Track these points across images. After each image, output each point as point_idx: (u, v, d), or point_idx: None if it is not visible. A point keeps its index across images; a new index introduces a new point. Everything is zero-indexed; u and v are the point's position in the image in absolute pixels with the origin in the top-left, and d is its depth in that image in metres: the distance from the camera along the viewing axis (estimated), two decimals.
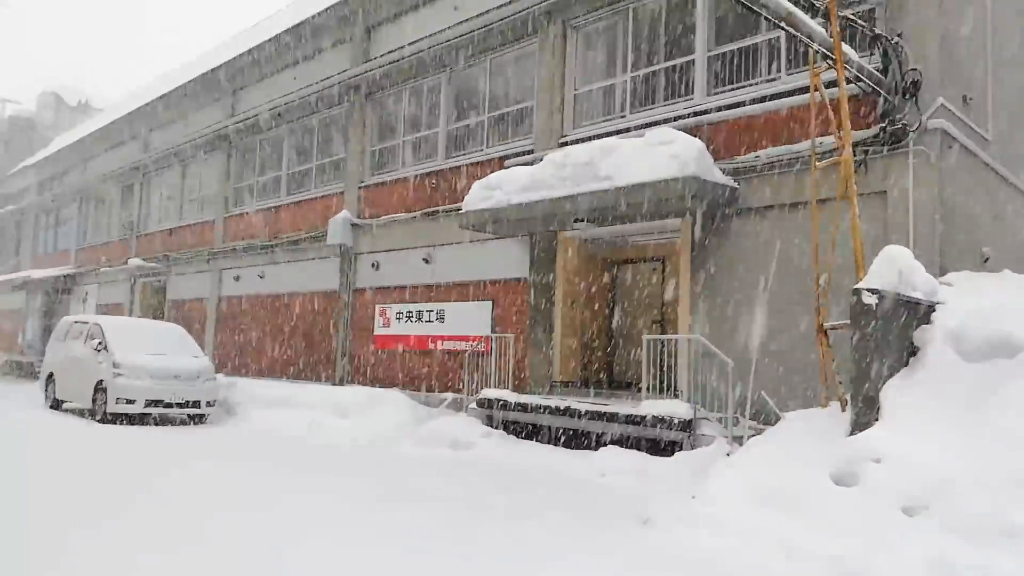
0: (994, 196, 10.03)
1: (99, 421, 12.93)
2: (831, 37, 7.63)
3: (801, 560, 4.97)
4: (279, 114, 18.62)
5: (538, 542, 5.82)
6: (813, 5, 7.58)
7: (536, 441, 10.65)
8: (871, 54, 8.97)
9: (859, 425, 6.47)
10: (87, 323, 14.74)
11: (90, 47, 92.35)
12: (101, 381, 13.11)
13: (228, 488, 7.63)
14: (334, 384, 15.84)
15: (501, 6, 13.57)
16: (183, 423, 13.40)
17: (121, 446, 10.52)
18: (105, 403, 12.87)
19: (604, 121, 12.20)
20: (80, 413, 14.14)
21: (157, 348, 13.80)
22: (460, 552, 5.44)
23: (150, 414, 13.01)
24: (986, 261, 9.23)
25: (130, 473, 8.43)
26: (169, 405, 13.01)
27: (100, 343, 13.60)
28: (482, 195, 11.66)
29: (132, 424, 12.85)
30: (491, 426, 11.04)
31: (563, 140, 12.45)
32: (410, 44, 15.20)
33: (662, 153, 9.67)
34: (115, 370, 12.95)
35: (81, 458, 9.52)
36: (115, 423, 12.80)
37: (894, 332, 6.76)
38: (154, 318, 21.83)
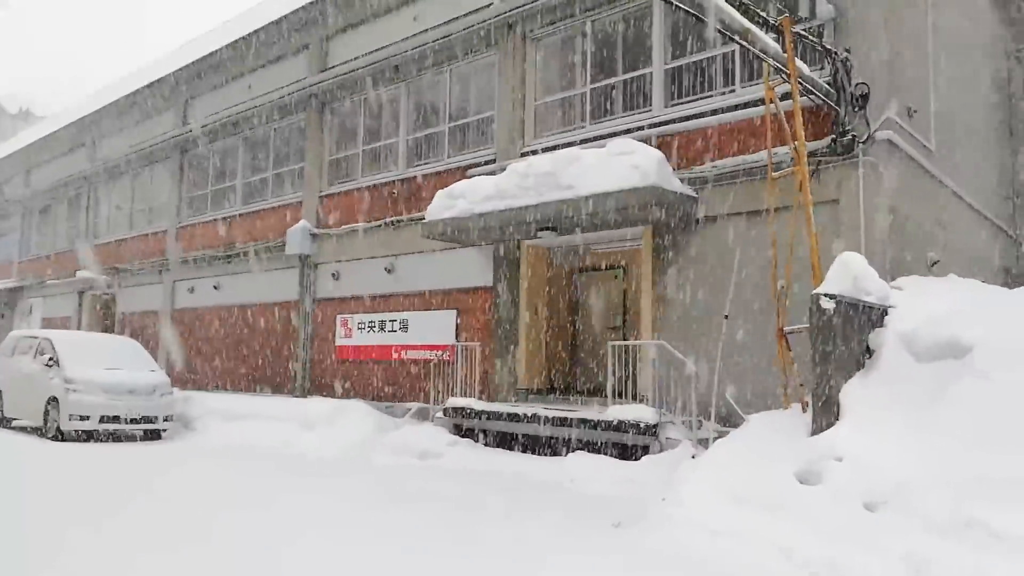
0: (938, 203, 10.52)
1: (51, 438, 12.57)
2: (785, 52, 7.94)
3: (798, 562, 5.17)
4: (234, 123, 18.38)
5: (530, 546, 5.90)
6: (768, 22, 7.89)
7: (504, 448, 10.73)
8: (822, 68, 9.35)
9: (820, 425, 6.72)
10: (36, 338, 14.31)
11: (31, 56, 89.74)
12: (53, 397, 12.74)
13: (203, 504, 7.53)
14: (295, 396, 15.67)
15: (460, 17, 13.69)
16: (139, 439, 13.09)
17: (80, 463, 10.25)
18: (58, 420, 12.52)
19: (565, 131, 12.40)
20: (30, 431, 13.71)
21: (111, 363, 13.46)
22: (455, 554, 5.51)
23: (105, 430, 12.68)
24: (933, 265, 9.67)
25: (100, 490, 8.24)
26: (125, 421, 12.69)
27: (51, 358, 13.22)
28: (446, 204, 11.72)
29: (86, 441, 12.51)
30: (458, 435, 11.08)
31: (525, 150, 12.60)
32: (369, 53, 15.21)
33: (623, 163, 9.89)
34: (67, 386, 12.61)
35: (44, 477, 9.26)
36: (68, 440, 12.45)
37: (851, 335, 7.04)
38: (104, 332, 21.27)
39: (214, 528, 6.29)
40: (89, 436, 12.70)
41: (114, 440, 12.81)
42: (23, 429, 14.02)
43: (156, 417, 13.04)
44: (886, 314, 7.45)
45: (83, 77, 74.76)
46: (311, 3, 16.40)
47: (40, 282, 25.66)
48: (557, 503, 7.63)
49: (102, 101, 23.89)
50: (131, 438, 13.06)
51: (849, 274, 7.14)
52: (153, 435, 13.24)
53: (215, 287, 18.56)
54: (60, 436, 12.48)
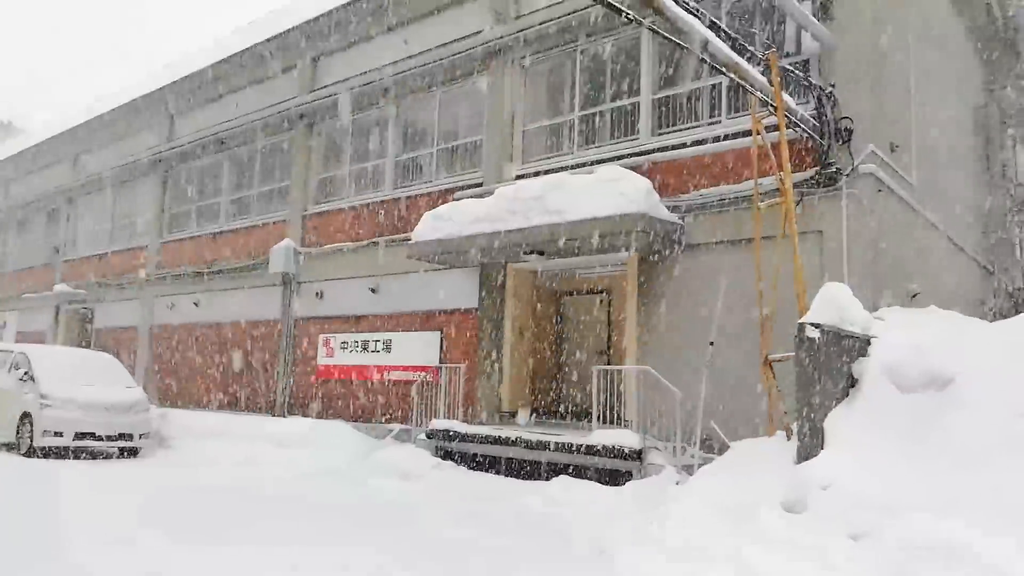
0: (919, 236, 10.72)
1: (24, 455, 12.30)
2: (771, 85, 8.11)
3: None
4: (220, 140, 18.33)
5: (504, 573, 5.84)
6: (756, 56, 8.06)
7: (486, 471, 10.66)
8: (807, 102, 9.54)
9: (805, 453, 6.76)
10: (11, 352, 14.04)
11: (13, 68, 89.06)
12: (27, 413, 12.49)
13: (152, 537, 7.38)
14: (274, 416, 15.49)
15: (451, 43, 13.81)
16: (114, 456, 12.84)
17: (54, 481, 10.02)
18: (31, 436, 12.26)
19: (552, 157, 12.51)
20: (3, 447, 13.38)
21: (87, 379, 13.24)
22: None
23: (79, 447, 12.43)
24: (913, 297, 9.81)
25: (42, 513, 8.06)
26: (100, 438, 12.47)
27: (26, 373, 12.98)
28: (433, 226, 11.75)
29: (60, 458, 12.25)
30: (441, 457, 11.01)
31: (513, 174, 12.68)
32: (358, 75, 15.28)
33: (611, 190, 10.00)
34: (42, 401, 12.38)
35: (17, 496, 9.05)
36: (42, 457, 12.18)
37: (835, 364, 7.11)
38: (80, 347, 20.94)
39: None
40: (63, 453, 12.45)
41: (88, 457, 12.55)
42: None
43: (132, 434, 12.82)
44: (869, 344, 7.54)
45: (66, 90, 74.27)
46: (301, 24, 16.48)
47: (16, 295, 25.24)
48: (539, 528, 7.57)
49: (86, 115, 23.72)
50: (106, 455, 12.82)
51: (834, 304, 7.22)
52: (129, 452, 13.01)
53: (196, 304, 18.37)
54: (33, 452, 12.22)
